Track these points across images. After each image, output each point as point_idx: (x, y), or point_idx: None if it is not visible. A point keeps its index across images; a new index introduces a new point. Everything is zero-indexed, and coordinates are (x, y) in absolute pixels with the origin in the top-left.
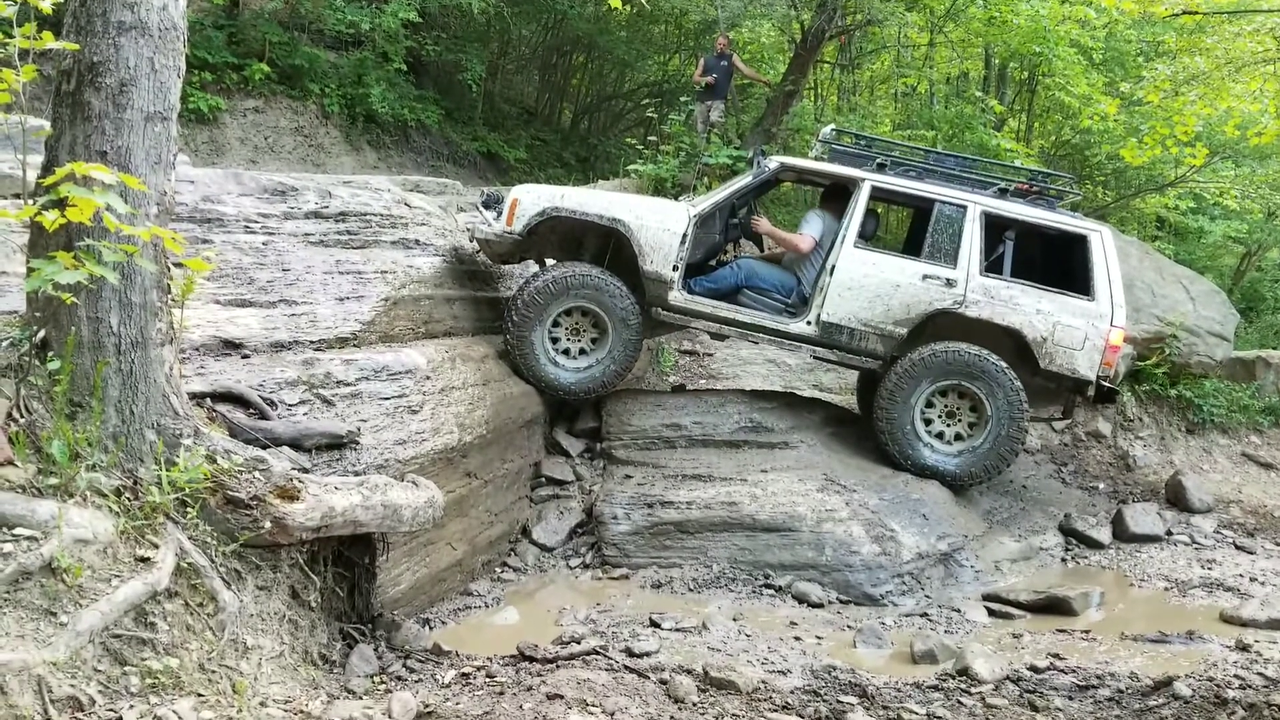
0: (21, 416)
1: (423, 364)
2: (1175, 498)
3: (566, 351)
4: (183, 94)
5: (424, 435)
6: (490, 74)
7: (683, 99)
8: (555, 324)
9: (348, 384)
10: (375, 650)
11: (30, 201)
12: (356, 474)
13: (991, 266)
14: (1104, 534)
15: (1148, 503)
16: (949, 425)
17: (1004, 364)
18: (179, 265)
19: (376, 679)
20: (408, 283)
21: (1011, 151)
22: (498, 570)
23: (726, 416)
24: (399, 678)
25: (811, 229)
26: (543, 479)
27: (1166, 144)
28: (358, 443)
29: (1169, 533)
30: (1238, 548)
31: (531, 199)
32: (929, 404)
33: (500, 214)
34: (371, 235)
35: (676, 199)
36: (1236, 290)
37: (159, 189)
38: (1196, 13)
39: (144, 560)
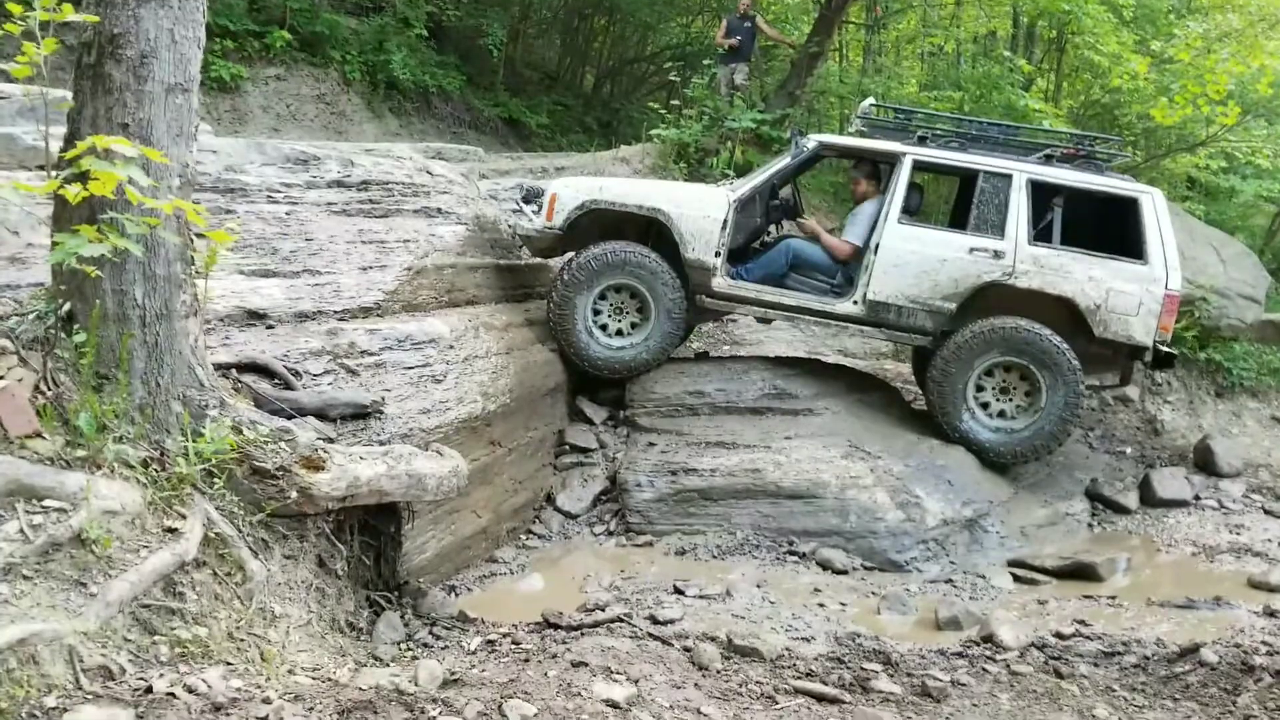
0: (49, 389)
1: (446, 333)
2: (1203, 462)
3: (605, 328)
4: (204, 63)
5: (448, 404)
6: (511, 38)
7: (705, 62)
8: (601, 298)
9: (372, 354)
10: (402, 618)
11: (53, 175)
12: (381, 443)
13: (1040, 235)
14: (1131, 499)
15: (1175, 467)
16: (1003, 402)
17: (1062, 344)
18: (202, 236)
19: (403, 646)
20: (430, 251)
21: (1040, 112)
22: (523, 537)
23: (750, 383)
24: (425, 645)
25: (855, 233)
26: (567, 446)
27: (1198, 103)
28: (382, 412)
29: (1197, 498)
30: (1266, 512)
31: (570, 193)
32: (980, 384)
33: (540, 209)
34: (394, 204)
35: (700, 162)
36: (1269, 250)
37: (181, 160)
38: None
39: (172, 531)
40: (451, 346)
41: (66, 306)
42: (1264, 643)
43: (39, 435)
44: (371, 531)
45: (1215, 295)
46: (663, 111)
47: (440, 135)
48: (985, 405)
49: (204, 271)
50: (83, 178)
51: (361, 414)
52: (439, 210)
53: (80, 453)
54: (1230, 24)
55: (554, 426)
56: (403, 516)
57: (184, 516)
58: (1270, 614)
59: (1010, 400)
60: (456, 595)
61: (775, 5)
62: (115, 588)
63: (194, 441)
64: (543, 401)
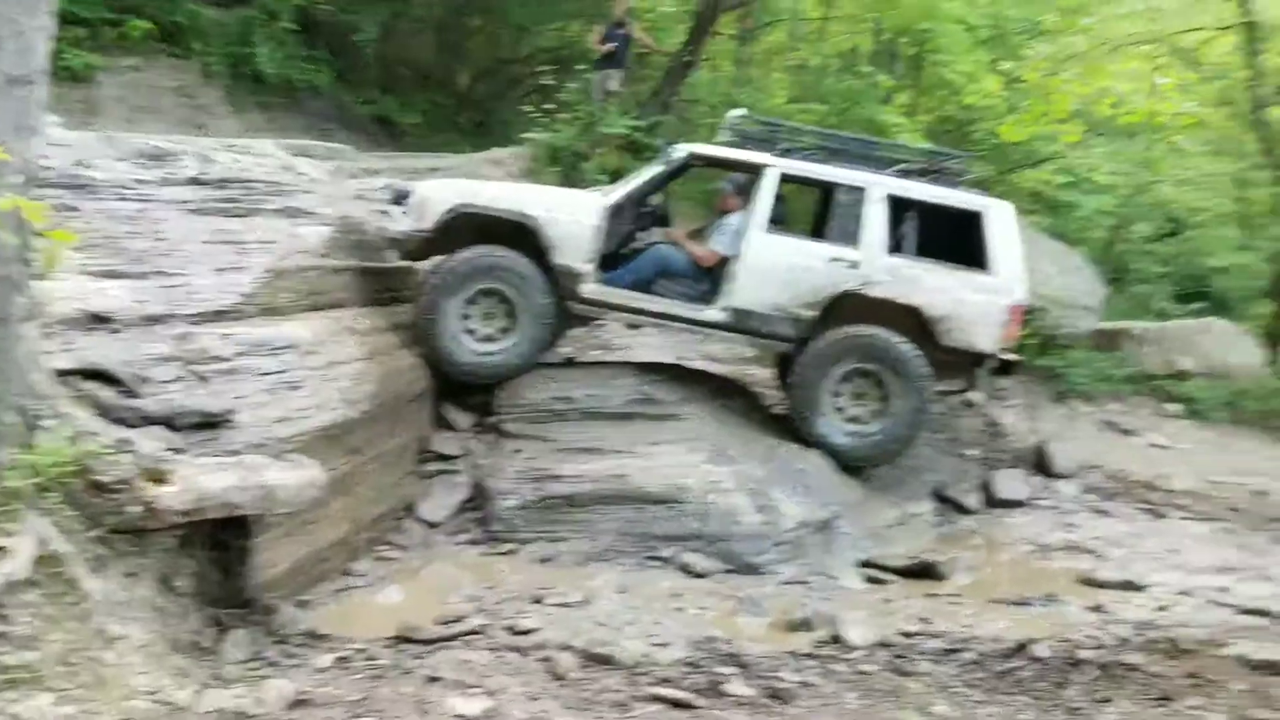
0: None
1: (306, 338)
2: (1041, 464)
3: (473, 333)
4: (54, 52)
5: (306, 412)
6: (385, 35)
7: (580, 67)
8: (470, 302)
9: (225, 359)
10: (250, 636)
11: None
12: (233, 454)
13: (895, 246)
14: (974, 500)
15: (1015, 469)
16: (857, 407)
17: (914, 351)
18: (42, 236)
19: (251, 666)
20: (292, 253)
21: (899, 126)
22: (382, 549)
23: (617, 389)
24: (274, 663)
25: (722, 242)
26: (431, 454)
27: (1043, 121)
28: (233, 421)
29: (1034, 498)
30: (1097, 511)
31: (441, 195)
32: (837, 389)
33: (410, 211)
34: (255, 203)
35: (574, 167)
36: (1106, 262)
37: (23, 156)
38: None
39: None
40: (312, 352)
41: None
42: (1090, 637)
43: None
44: (220, 545)
45: (1055, 305)
46: (537, 115)
47: (307, 132)
48: (841, 410)
49: (44, 273)
50: None
51: (212, 423)
52: (302, 210)
53: None
54: (1076, 47)
55: (418, 434)
56: (254, 530)
57: (13, 534)
58: (1097, 609)
59: (864, 405)
60: (310, 610)
61: (650, 13)
62: None
63: (27, 453)
64: (407, 408)
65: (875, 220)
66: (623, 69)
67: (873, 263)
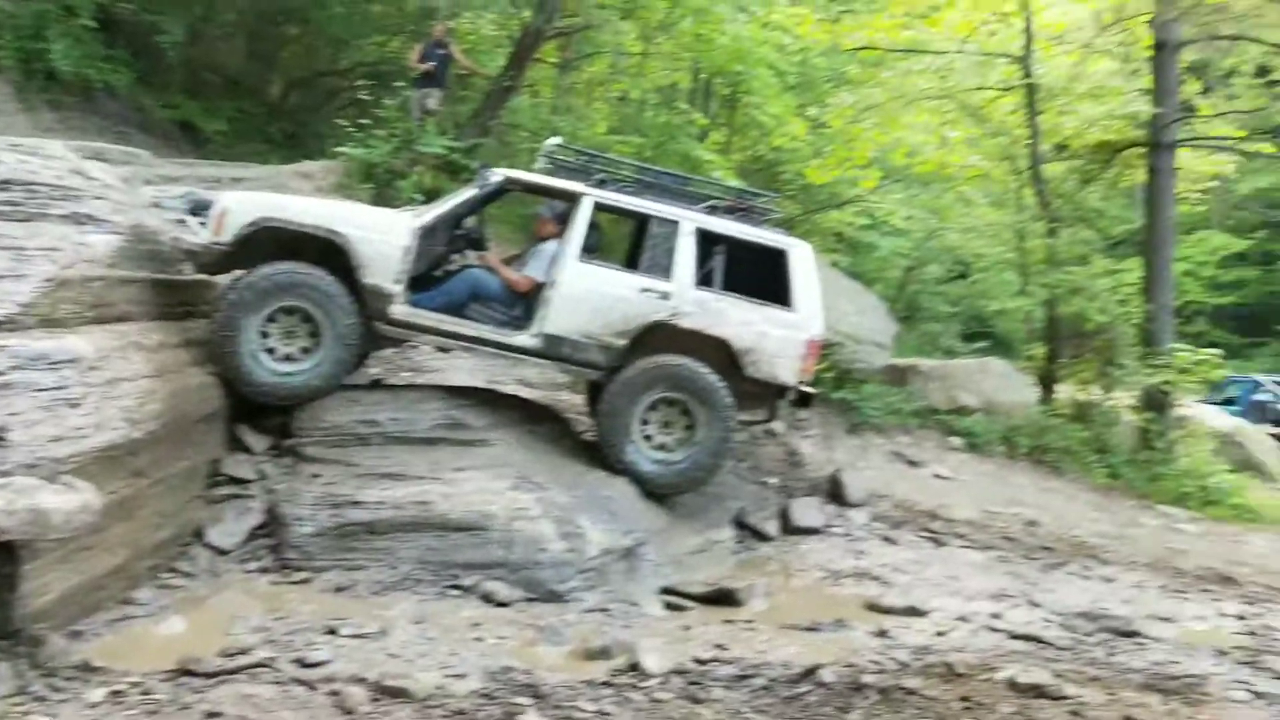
0: None
1: (89, 352)
2: (835, 492)
3: (273, 352)
4: None
5: (85, 431)
6: (191, 39)
7: (398, 83)
8: (270, 320)
9: None
10: (15, 669)
11: None
12: (2, 474)
13: (704, 280)
14: (773, 527)
15: (811, 497)
16: (664, 435)
17: (720, 382)
18: None
19: (15, 700)
20: (77, 262)
21: (712, 163)
22: (166, 576)
23: (425, 413)
24: (41, 698)
25: (537, 268)
26: (222, 477)
27: (845, 166)
28: (5, 440)
29: (828, 525)
30: (885, 539)
31: (243, 207)
32: (645, 417)
33: (208, 222)
34: (38, 207)
35: (388, 184)
36: (900, 300)
37: None
38: (875, 48)
39: None
40: (94, 367)
41: None
42: (873, 661)
43: None
44: None
45: (851, 341)
46: (352, 129)
47: (103, 135)
48: (649, 438)
49: None
50: None
51: None
52: (91, 217)
53: None
54: (875, 98)
55: (209, 456)
56: (22, 556)
57: None
58: (881, 634)
59: (671, 434)
60: (83, 642)
61: (471, 35)
62: None
63: None
64: (197, 429)
65: (686, 253)
66: (442, 89)
67: (683, 295)
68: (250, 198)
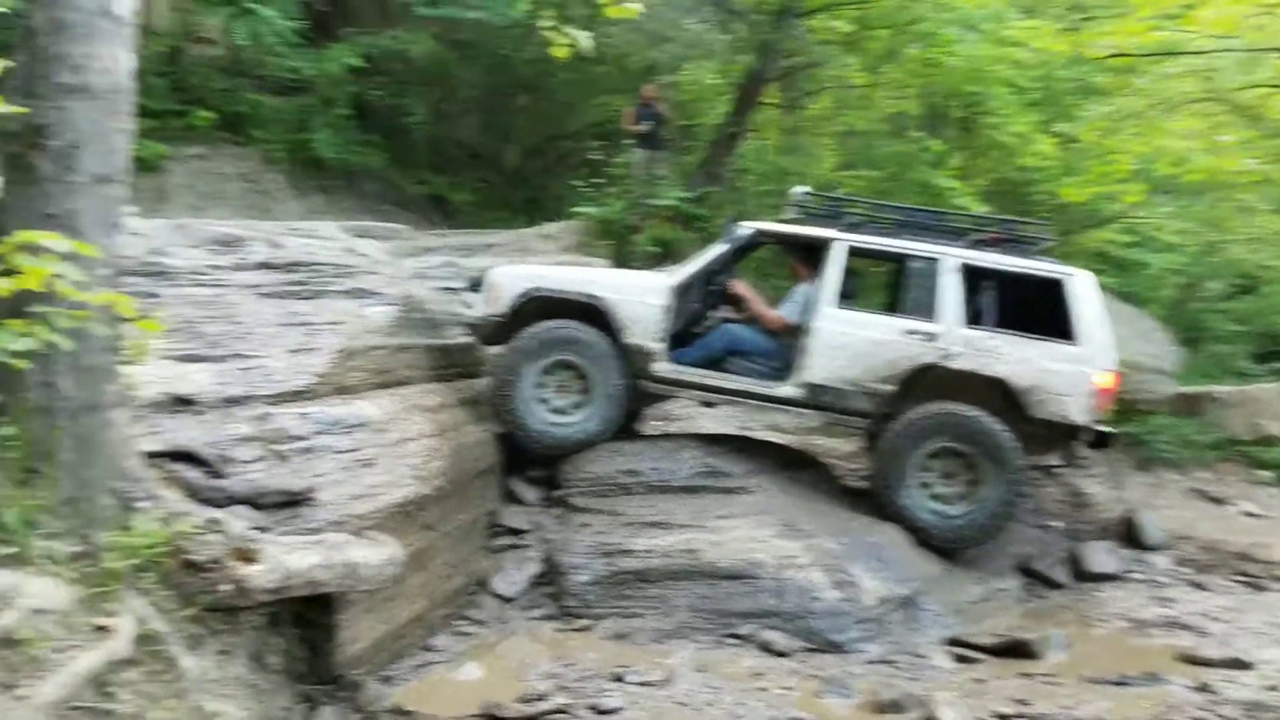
0: None
1: (377, 415)
2: (1130, 535)
3: (546, 403)
4: None
5: (380, 489)
6: (435, 117)
7: (626, 140)
8: (546, 372)
9: (302, 439)
10: (339, 712)
11: None
12: (314, 531)
13: (973, 318)
14: (1062, 573)
15: (1103, 540)
16: (944, 486)
17: (1012, 437)
18: (128, 321)
19: None
20: (360, 333)
21: (953, 190)
22: (458, 624)
23: (683, 462)
24: None
25: (789, 309)
26: (500, 528)
27: (1103, 181)
28: (314, 499)
29: (1126, 571)
30: (1193, 585)
31: (511, 281)
32: (926, 464)
33: (485, 297)
34: (322, 285)
35: (625, 240)
36: (1178, 321)
37: (108, 250)
38: (1125, 54)
39: (102, 628)
40: (383, 429)
41: None
42: (1195, 718)
43: None
44: (306, 623)
45: (1132, 370)
46: (586, 189)
47: (365, 213)
48: (926, 485)
49: (133, 360)
50: (10, 272)
51: (293, 501)
52: (367, 290)
53: (7, 550)
54: (1133, 106)
55: (487, 508)
56: (337, 607)
57: (114, 613)
58: (1202, 689)
59: (951, 486)
60: (393, 686)
61: (692, 86)
62: (45, 690)
63: (124, 535)
64: (475, 483)
65: (950, 291)
66: (659, 149)
67: (951, 334)
68: (518, 271)
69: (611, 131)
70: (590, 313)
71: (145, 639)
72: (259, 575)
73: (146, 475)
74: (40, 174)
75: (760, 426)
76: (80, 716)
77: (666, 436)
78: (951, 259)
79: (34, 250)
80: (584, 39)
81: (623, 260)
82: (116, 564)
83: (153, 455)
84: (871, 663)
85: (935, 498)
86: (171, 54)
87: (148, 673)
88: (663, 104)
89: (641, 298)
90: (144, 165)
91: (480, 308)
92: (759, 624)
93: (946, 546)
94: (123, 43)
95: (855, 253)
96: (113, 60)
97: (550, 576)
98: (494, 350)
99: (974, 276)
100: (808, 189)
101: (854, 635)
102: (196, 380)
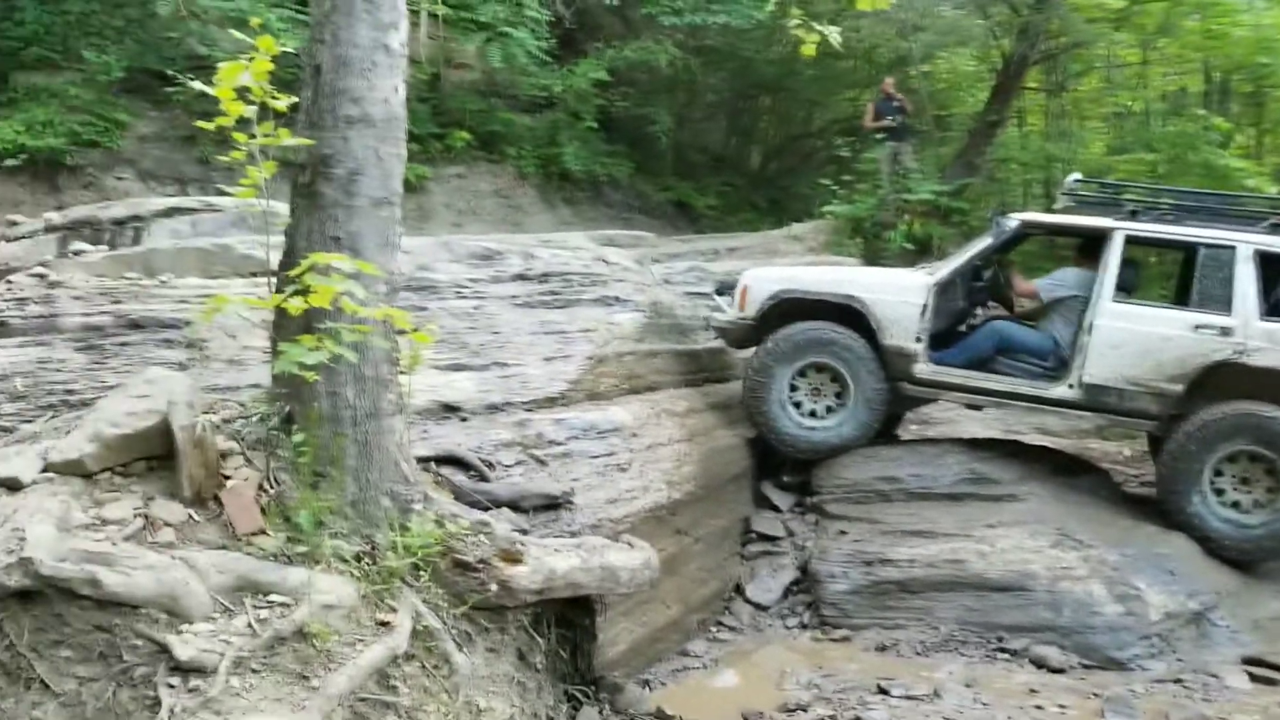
0: (271, 488)
1: (629, 421)
2: None
3: (799, 406)
4: None
5: (634, 493)
6: (678, 124)
7: (874, 136)
8: (800, 374)
9: (559, 444)
10: (600, 712)
11: (272, 287)
12: (572, 534)
13: (1273, 310)
14: None
15: None
16: (1240, 493)
17: None
18: (403, 333)
19: None
20: (610, 340)
21: (1242, 170)
22: (713, 630)
23: (946, 468)
24: None
25: (1047, 283)
26: (753, 535)
27: None
28: (572, 503)
29: None
30: None
31: (762, 283)
32: (1218, 469)
33: (733, 300)
34: (573, 294)
35: (877, 236)
36: None
37: (386, 268)
38: None
39: (383, 624)
40: (635, 434)
41: (285, 408)
42: None
43: (263, 532)
44: (566, 624)
45: None
46: (833, 187)
47: (611, 222)
48: (1220, 492)
49: (408, 370)
50: (303, 291)
51: (552, 505)
52: (616, 298)
53: (300, 549)
54: None
55: (739, 514)
56: (596, 609)
57: (394, 610)
58: None
59: (1250, 493)
60: (651, 690)
61: (949, 74)
62: (335, 681)
63: (401, 535)
64: (727, 489)
65: (1246, 282)
66: (905, 141)
67: (1247, 328)
68: (768, 273)
69: (857, 127)
70: (846, 314)
71: (421, 635)
72: (524, 576)
73: (420, 479)
74: (325, 200)
75: (1028, 430)
76: (365, 707)
77: (927, 441)
78: (1246, 246)
79: (323, 270)
80: (833, 34)
81: (875, 258)
82: (396, 563)
83: (423, 460)
84: (1157, 682)
85: (1230, 505)
86: (432, 80)
87: (424, 668)
88: (903, 98)
89: (901, 296)
90: (408, 186)
91: (730, 311)
92: (1032, 638)
93: (1243, 558)
94: (397, 74)
95: (1134, 242)
96: (390, 91)
97: (806, 584)
98: (744, 354)
99: (1273, 265)
100: (1079, 176)
101: (1137, 652)
102: (461, 388)
